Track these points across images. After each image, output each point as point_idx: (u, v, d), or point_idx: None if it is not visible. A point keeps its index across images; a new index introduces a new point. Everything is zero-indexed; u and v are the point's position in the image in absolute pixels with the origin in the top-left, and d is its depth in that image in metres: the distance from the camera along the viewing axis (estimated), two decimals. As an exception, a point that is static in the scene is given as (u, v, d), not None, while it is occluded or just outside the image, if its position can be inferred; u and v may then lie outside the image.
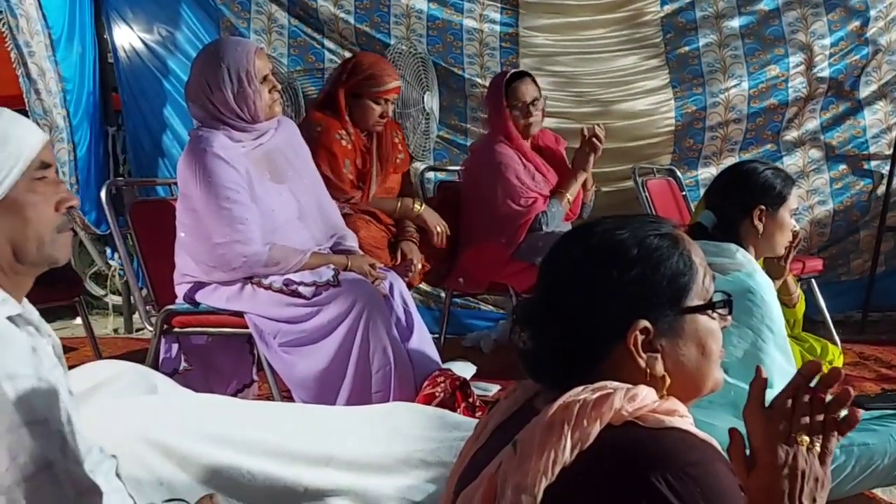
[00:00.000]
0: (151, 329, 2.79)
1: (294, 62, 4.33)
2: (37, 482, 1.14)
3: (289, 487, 1.69)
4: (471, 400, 2.58)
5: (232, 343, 2.88)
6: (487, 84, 4.19)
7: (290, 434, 1.80)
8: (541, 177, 3.52)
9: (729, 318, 1.09)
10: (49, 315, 1.47)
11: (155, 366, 2.66)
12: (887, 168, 4.41)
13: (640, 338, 1.02)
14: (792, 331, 2.57)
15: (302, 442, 1.77)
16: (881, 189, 4.47)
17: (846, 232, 4.56)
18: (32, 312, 1.32)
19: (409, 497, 1.71)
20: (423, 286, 3.97)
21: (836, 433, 1.04)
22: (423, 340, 2.74)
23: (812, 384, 1.06)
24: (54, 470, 1.16)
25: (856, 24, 4.48)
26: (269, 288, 2.61)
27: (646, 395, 0.98)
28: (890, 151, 4.43)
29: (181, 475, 1.66)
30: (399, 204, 3.33)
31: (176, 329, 2.77)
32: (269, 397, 2.75)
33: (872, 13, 4.46)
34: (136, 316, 4.29)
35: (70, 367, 1.50)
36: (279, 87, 2.78)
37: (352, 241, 2.91)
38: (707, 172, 4.46)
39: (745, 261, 2.04)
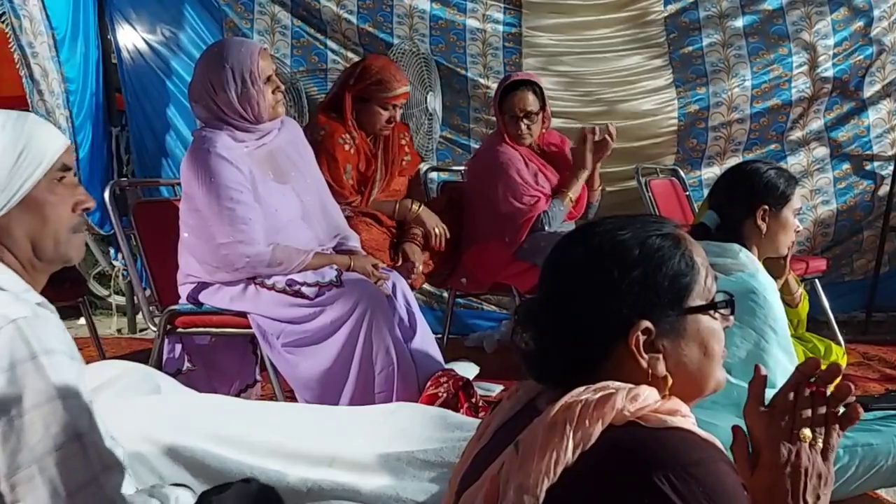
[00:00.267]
0: (155, 329, 2.79)
1: (297, 63, 4.34)
2: (67, 452, 1.20)
3: (292, 487, 1.69)
4: (474, 400, 2.57)
5: (235, 343, 2.89)
6: (490, 84, 4.20)
7: (293, 434, 1.80)
8: (543, 177, 3.52)
9: (731, 318, 1.09)
10: (52, 315, 1.50)
11: (158, 366, 2.67)
12: (891, 168, 4.40)
13: (642, 338, 1.01)
14: (795, 331, 2.56)
15: (305, 442, 1.77)
16: (885, 189, 4.46)
17: (850, 232, 4.55)
18: (50, 305, 1.37)
19: (412, 497, 1.71)
20: (427, 286, 3.97)
21: (837, 428, 1.04)
22: (425, 341, 2.73)
23: (811, 381, 1.06)
24: (84, 441, 1.22)
25: (860, 23, 4.47)
26: (272, 288, 2.61)
27: (648, 395, 0.98)
28: (894, 151, 4.42)
29: (184, 475, 1.66)
30: (397, 205, 3.32)
31: (179, 329, 2.77)
32: (273, 397, 2.76)
33: (876, 13, 4.45)
34: (139, 316, 4.31)
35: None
36: (282, 87, 2.77)
37: (355, 242, 2.91)
38: (710, 172, 4.44)
39: (748, 261, 2.03)
